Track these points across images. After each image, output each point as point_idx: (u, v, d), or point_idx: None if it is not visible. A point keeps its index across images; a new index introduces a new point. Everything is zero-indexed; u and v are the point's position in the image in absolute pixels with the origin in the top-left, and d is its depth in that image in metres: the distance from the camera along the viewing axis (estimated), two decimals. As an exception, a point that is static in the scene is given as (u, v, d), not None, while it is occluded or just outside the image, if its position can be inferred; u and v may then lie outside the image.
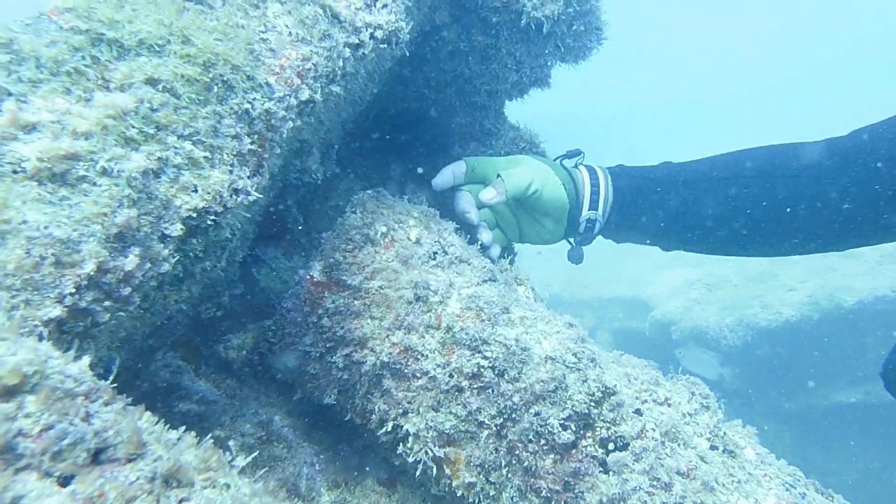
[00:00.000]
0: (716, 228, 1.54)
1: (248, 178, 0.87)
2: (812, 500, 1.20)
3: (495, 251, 1.59)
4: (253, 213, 1.01)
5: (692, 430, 1.21)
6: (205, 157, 0.81)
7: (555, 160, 1.71)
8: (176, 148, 0.77)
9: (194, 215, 0.78)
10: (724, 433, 1.23)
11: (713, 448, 1.20)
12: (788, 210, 1.44)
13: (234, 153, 0.85)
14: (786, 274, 5.65)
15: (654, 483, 1.12)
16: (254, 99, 0.89)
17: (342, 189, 1.73)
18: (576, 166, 1.69)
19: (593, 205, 1.61)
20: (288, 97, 0.94)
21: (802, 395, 5.08)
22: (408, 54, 1.28)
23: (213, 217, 0.80)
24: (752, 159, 1.54)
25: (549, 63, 1.82)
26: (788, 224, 1.46)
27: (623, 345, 6.61)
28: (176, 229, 0.76)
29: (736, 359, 5.13)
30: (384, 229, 1.25)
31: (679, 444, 1.17)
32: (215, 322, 1.15)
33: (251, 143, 0.88)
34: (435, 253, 1.30)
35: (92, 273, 0.65)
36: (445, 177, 1.56)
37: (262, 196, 0.90)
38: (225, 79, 0.85)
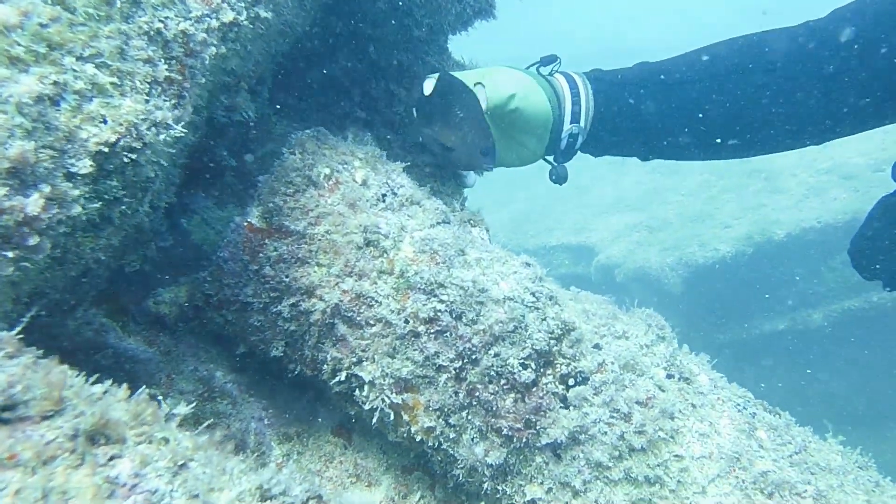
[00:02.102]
0: (702, 126, 1.44)
1: (170, 108, 0.77)
2: (762, 418, 1.24)
3: (472, 178, 1.48)
4: (177, 153, 0.91)
5: (650, 360, 1.22)
6: (112, 84, 0.70)
7: (528, 68, 1.54)
8: (75, 71, 0.66)
9: (106, 150, 0.68)
10: (680, 361, 1.24)
11: (669, 377, 1.21)
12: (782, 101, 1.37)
13: (149, 80, 0.75)
14: (722, 212, 5.86)
15: (614, 414, 1.13)
16: (166, 17, 0.77)
17: (278, 133, 1.61)
18: (552, 74, 1.53)
19: (575, 117, 1.46)
20: (207, 17, 0.83)
21: (736, 326, 5.36)
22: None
23: (129, 153, 0.70)
24: (729, 52, 1.46)
25: (492, -9, 1.73)
26: (788, 112, 1.39)
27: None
28: (84, 166, 0.66)
29: (676, 297, 5.34)
30: (327, 171, 1.17)
31: (637, 375, 1.18)
32: (142, 276, 1.05)
33: (168, 70, 0.78)
34: (384, 195, 1.23)
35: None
36: (429, 84, 1.40)
37: (185, 132, 0.80)
38: (130, -8, 0.73)
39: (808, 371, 5.10)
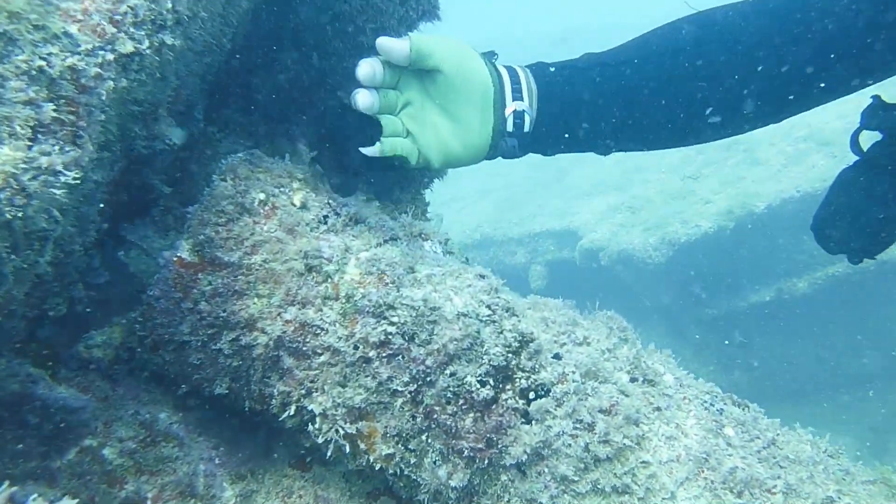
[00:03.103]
0: (656, 105, 1.38)
1: (59, 152, 0.72)
2: (729, 413, 1.20)
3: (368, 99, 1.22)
4: (87, 194, 0.85)
5: (612, 365, 1.19)
6: (-13, 134, 0.65)
7: None
8: (-62, 125, 0.61)
9: (-20, 207, 0.62)
10: (644, 363, 1.21)
11: (633, 380, 1.18)
12: (737, 76, 1.34)
13: (31, 124, 0.69)
14: (702, 188, 5.85)
15: (578, 425, 1.09)
16: (49, 54, 0.72)
17: (223, 151, 1.55)
18: (490, 61, 1.42)
19: (517, 94, 1.36)
20: (101, 50, 0.78)
21: (724, 300, 5.36)
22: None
23: (10, 207, 0.65)
24: (687, 29, 1.41)
25: (435, -9, 1.67)
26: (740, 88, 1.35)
27: (556, 276, 6.74)
28: (-43, 229, 0.61)
29: (661, 276, 5.33)
30: (262, 196, 1.11)
31: (600, 382, 1.14)
32: (73, 318, 1.00)
33: (56, 111, 0.72)
34: (325, 216, 1.18)
35: None
36: (366, 69, 1.24)
37: (81, 176, 0.75)
38: (1, 30, 0.68)
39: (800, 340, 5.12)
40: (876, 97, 1.55)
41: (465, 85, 1.30)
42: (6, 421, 0.88)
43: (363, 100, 1.20)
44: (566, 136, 1.46)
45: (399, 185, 1.90)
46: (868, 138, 1.59)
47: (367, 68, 1.22)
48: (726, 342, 5.12)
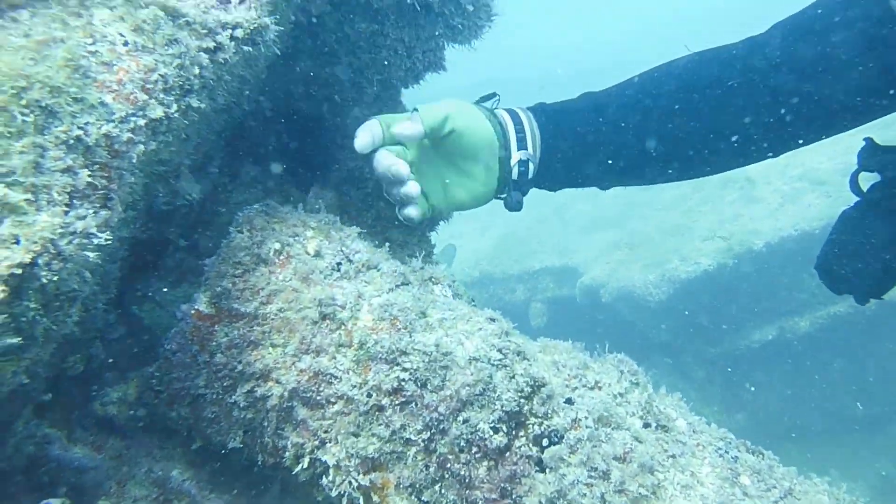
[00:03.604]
0: (658, 147, 1.43)
1: (93, 215, 0.74)
2: (745, 461, 1.20)
3: (414, 211, 1.37)
4: (111, 252, 0.88)
5: (625, 410, 1.19)
6: (27, 201, 0.68)
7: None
8: (-17, 195, 0.64)
9: (19, 272, 0.65)
10: (656, 407, 1.21)
11: (646, 426, 1.18)
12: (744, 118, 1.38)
13: (68, 190, 0.72)
14: (699, 225, 5.90)
15: (592, 473, 1.09)
16: (86, 123, 0.75)
17: (234, 201, 1.58)
18: (492, 111, 1.49)
19: (521, 143, 1.42)
20: (133, 117, 0.82)
21: (726, 339, 5.35)
22: (279, 53, 1.16)
23: (46, 271, 0.68)
24: (679, 74, 1.45)
25: (440, 45, 1.74)
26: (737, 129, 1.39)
27: (556, 313, 6.74)
28: (-4, 293, 0.63)
29: (662, 313, 5.33)
30: (277, 246, 1.14)
31: (613, 428, 1.14)
32: (88, 375, 1.01)
33: (90, 176, 0.75)
34: (339, 263, 1.21)
35: None
36: (364, 139, 1.31)
37: (111, 237, 0.77)
38: (43, 104, 0.71)
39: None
40: (868, 139, 1.60)
41: (472, 142, 1.36)
42: (21, 484, 0.88)
43: (414, 189, 1.32)
44: (571, 175, 1.52)
45: (406, 228, 1.94)
46: (865, 179, 1.63)
47: (364, 139, 1.29)
48: (751, 388, 5.06)
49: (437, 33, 1.71)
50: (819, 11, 1.35)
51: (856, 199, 1.63)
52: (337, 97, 1.72)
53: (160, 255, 1.23)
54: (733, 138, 1.42)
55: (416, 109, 1.32)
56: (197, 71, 0.92)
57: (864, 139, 1.60)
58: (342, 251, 1.23)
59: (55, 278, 0.69)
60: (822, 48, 1.31)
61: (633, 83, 1.51)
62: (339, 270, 1.20)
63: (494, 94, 1.54)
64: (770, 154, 1.49)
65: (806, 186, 5.33)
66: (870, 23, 1.26)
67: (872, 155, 1.57)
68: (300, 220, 1.23)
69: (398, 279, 1.25)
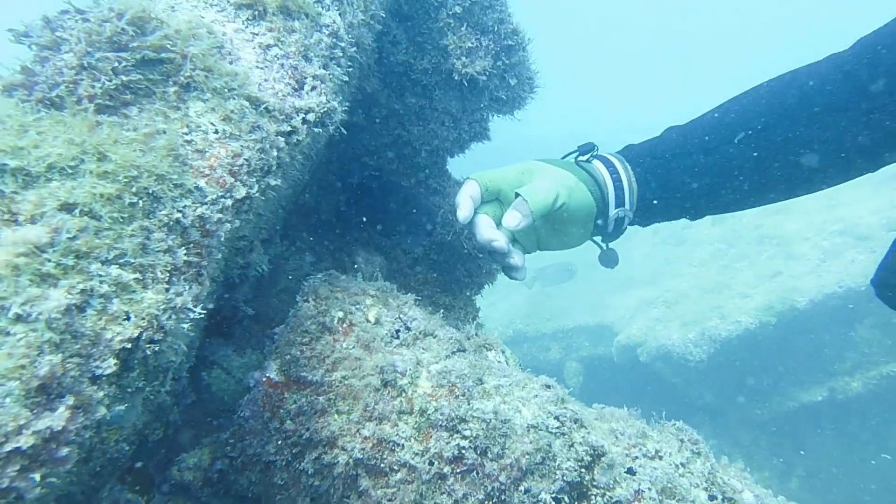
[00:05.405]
0: (749, 178, 1.40)
1: (188, 291, 0.80)
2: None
3: (522, 273, 1.39)
4: (198, 324, 0.93)
5: (688, 481, 1.17)
6: (135, 280, 0.73)
7: (564, 158, 1.51)
8: (101, 276, 0.70)
9: (129, 346, 0.70)
10: (720, 479, 1.19)
11: (712, 498, 1.15)
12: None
13: (169, 269, 0.78)
14: (737, 282, 5.81)
15: (659, 546, 1.07)
16: (184, 206, 0.82)
17: (290, 268, 1.65)
18: (589, 161, 1.49)
19: (619, 201, 1.43)
20: (222, 198, 0.88)
21: (772, 400, 5.16)
22: (343, 131, 1.24)
23: (150, 345, 0.73)
24: (766, 99, 1.39)
25: (485, 117, 1.83)
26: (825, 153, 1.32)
27: (593, 372, 6.61)
28: (109, 366, 0.68)
29: (703, 373, 5.19)
30: (341, 314, 1.19)
31: (678, 500, 1.12)
32: (166, 441, 1.05)
33: (186, 254, 0.81)
34: (398, 331, 1.24)
35: (15, 445, 0.56)
36: (466, 206, 1.31)
37: (204, 310, 0.83)
38: (150, 191, 0.78)
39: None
40: None
41: (572, 213, 1.39)
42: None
43: (519, 261, 1.36)
44: (662, 217, 1.53)
45: (450, 292, 1.98)
46: None
47: (466, 209, 1.31)
48: (801, 453, 4.82)
49: (481, 105, 1.80)
50: None
51: None
52: (386, 166, 1.80)
53: (228, 323, 1.29)
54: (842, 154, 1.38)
55: (519, 195, 1.31)
56: (275, 153, 1.00)
57: None
58: (400, 318, 1.27)
59: (157, 350, 0.74)
60: None
61: (720, 108, 1.48)
62: (398, 337, 1.23)
63: (593, 146, 1.53)
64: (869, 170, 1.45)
65: (848, 242, 5.24)
66: None
67: None
68: (360, 289, 1.28)
69: (454, 346, 1.27)
